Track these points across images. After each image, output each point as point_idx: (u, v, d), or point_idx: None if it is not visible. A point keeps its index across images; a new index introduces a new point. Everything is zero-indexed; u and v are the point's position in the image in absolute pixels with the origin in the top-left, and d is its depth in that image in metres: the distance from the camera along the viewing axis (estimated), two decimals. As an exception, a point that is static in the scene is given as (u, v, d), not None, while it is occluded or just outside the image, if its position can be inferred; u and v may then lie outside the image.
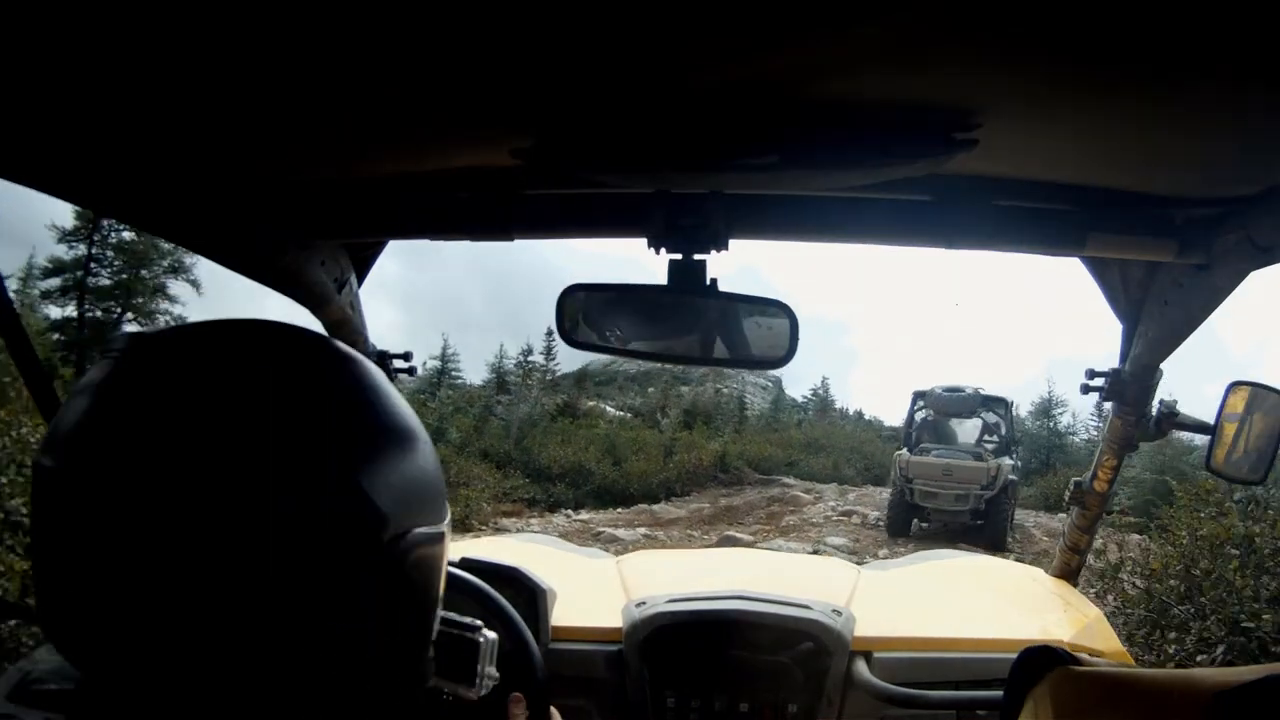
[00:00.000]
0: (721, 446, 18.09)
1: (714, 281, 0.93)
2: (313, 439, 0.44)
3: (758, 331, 0.98)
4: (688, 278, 0.93)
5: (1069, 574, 1.61)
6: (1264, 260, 0.90)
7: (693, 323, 0.99)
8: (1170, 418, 1.31)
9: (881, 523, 10.64)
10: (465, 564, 1.19)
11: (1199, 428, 1.32)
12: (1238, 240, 0.90)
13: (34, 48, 0.57)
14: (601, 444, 16.11)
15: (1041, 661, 0.69)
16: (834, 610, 1.29)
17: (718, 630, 1.27)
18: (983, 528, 9.61)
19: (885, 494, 12.49)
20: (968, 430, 11.28)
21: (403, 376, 1.42)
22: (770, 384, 41.55)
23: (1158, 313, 1.11)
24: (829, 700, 1.24)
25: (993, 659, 1.24)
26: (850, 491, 16.36)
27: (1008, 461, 10.05)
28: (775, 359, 1.00)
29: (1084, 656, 0.70)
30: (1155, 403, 1.32)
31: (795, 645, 1.26)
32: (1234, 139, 0.73)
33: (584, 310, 1.01)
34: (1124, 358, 1.26)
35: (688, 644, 1.27)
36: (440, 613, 0.65)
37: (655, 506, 12.53)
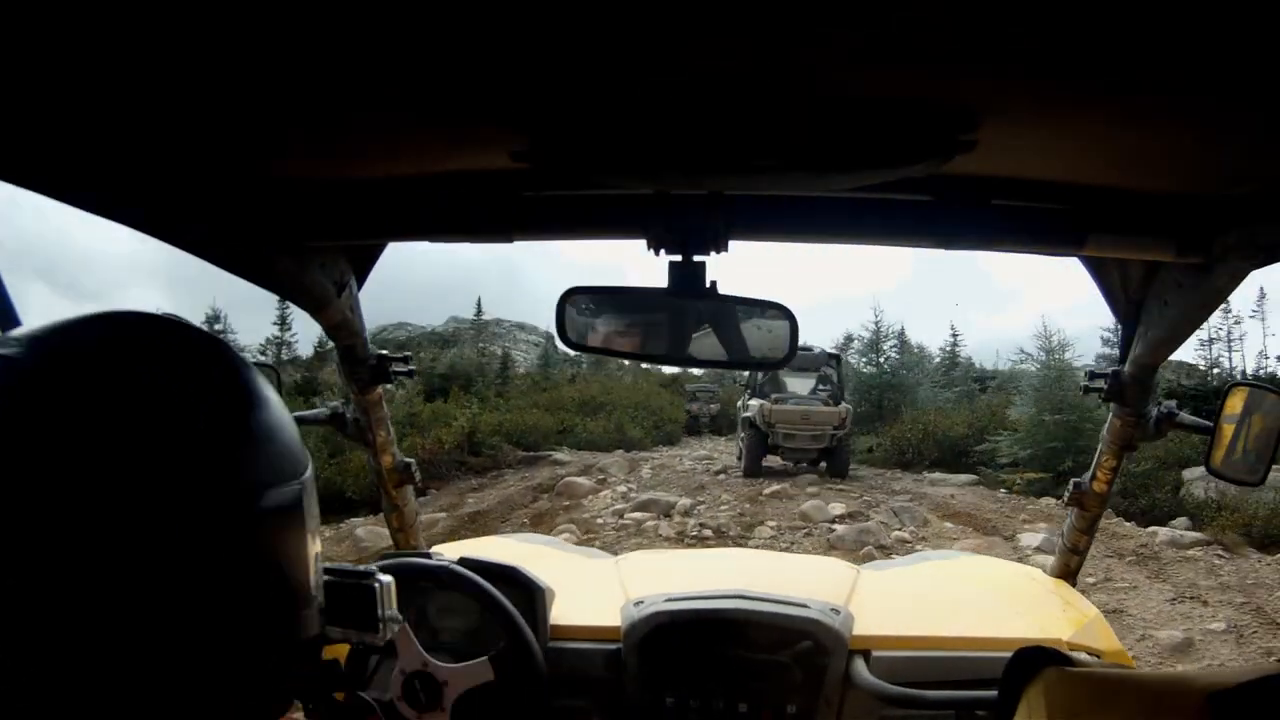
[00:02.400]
0: (469, 420, 13.15)
1: (714, 284, 0.93)
2: (147, 422, 0.45)
3: (757, 333, 0.99)
4: (687, 280, 0.93)
5: (1068, 574, 1.61)
6: (1264, 260, 0.91)
7: (693, 325, 0.99)
8: (1170, 418, 1.31)
9: (702, 522, 8.70)
10: (464, 563, 1.19)
11: (1199, 429, 1.32)
12: (1238, 240, 0.90)
13: (34, 48, 0.57)
14: (315, 436, 12.12)
15: (1035, 662, 0.69)
16: (832, 609, 1.29)
17: (716, 629, 1.27)
18: (832, 462, 11.91)
19: (688, 463, 12.37)
20: (800, 381, 13.06)
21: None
22: (540, 339, 39.14)
23: (1157, 313, 1.11)
24: (827, 700, 1.24)
25: (992, 658, 1.24)
26: (643, 463, 13.12)
27: (847, 406, 12.28)
28: (775, 360, 1.00)
29: (1078, 656, 0.70)
30: (1154, 404, 1.32)
31: (794, 644, 1.26)
32: (1234, 139, 0.73)
33: (583, 313, 1.02)
34: (1123, 358, 1.27)
35: (686, 643, 1.27)
36: (327, 565, 0.73)
37: (360, 528, 8.33)
